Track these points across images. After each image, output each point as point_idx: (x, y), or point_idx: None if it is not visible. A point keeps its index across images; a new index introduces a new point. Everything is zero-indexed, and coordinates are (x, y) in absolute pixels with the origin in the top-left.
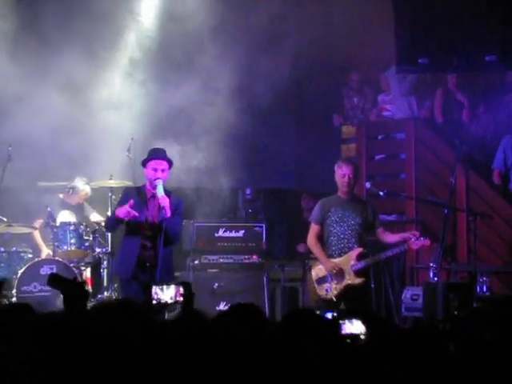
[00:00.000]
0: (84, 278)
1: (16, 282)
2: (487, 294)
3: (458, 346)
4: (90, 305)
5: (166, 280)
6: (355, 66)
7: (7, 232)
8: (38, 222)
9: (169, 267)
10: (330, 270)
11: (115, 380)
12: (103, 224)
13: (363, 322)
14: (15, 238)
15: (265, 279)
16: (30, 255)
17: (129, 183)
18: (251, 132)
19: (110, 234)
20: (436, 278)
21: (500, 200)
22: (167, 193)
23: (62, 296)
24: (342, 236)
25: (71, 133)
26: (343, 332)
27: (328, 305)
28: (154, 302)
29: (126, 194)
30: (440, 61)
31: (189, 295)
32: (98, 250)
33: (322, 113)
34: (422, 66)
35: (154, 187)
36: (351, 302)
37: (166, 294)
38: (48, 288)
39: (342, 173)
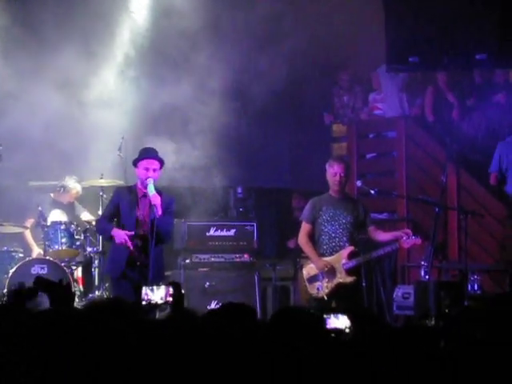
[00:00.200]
0: (75, 277)
1: (7, 281)
2: (478, 292)
3: (449, 343)
4: (81, 304)
5: (156, 279)
6: (346, 64)
7: None
8: (29, 222)
9: (160, 266)
10: (322, 269)
11: (110, 379)
12: (94, 223)
13: (355, 320)
14: (6, 237)
15: (256, 278)
16: (21, 254)
17: (120, 182)
18: (243, 131)
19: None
20: (427, 277)
21: (491, 198)
22: (158, 192)
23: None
24: (333, 235)
25: (63, 131)
26: (328, 326)
27: (319, 303)
28: (144, 302)
29: (118, 194)
30: (431, 59)
31: (178, 296)
32: (89, 249)
33: (313, 111)
34: (412, 64)
35: (146, 186)
36: (342, 301)
37: (156, 294)
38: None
39: (333, 171)
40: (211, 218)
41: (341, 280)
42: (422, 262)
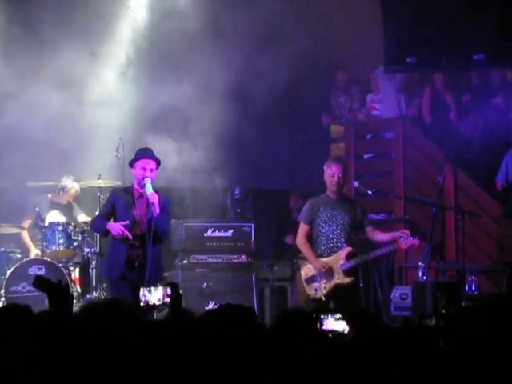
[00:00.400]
0: (73, 278)
1: (4, 282)
2: (476, 292)
3: (448, 342)
4: (78, 305)
5: (154, 279)
6: (344, 65)
7: None
8: (27, 222)
9: (158, 266)
10: (319, 270)
11: (110, 379)
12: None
13: (353, 320)
14: (3, 238)
15: (253, 279)
16: (19, 255)
17: (117, 183)
18: (241, 132)
19: (98, 235)
20: (425, 277)
21: (488, 199)
22: (155, 191)
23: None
24: (331, 236)
25: (61, 131)
26: (325, 328)
27: (317, 304)
28: (142, 303)
29: (114, 195)
30: (428, 60)
31: (176, 296)
32: (86, 250)
33: (311, 112)
34: (410, 65)
35: (143, 186)
36: (340, 302)
37: (154, 295)
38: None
39: (331, 172)
40: (209, 219)
41: (339, 281)
42: (420, 263)
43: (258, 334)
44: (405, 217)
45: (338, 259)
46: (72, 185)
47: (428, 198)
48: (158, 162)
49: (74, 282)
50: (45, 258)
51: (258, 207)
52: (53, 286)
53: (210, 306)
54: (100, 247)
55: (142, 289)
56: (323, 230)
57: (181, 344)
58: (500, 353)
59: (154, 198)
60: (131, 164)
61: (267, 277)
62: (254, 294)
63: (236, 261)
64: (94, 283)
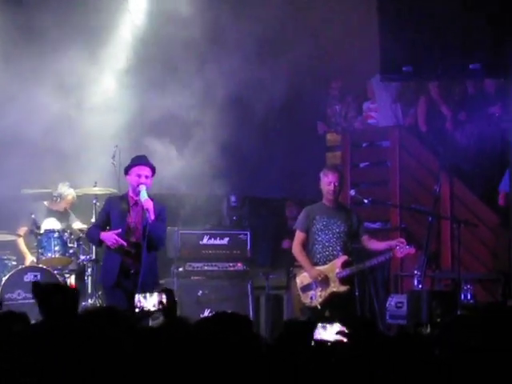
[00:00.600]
0: (68, 285)
1: (0, 289)
2: (471, 301)
3: (443, 351)
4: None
5: (150, 286)
6: (339, 73)
7: None
8: (23, 230)
9: (153, 273)
10: (315, 278)
11: None
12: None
13: (351, 328)
14: None
15: (249, 287)
16: (14, 262)
17: (114, 191)
18: (237, 140)
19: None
20: (420, 286)
21: (484, 208)
22: (150, 199)
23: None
24: (326, 244)
25: (58, 137)
26: (317, 337)
27: (313, 312)
28: (137, 309)
29: (109, 203)
30: (424, 69)
31: (171, 302)
32: (82, 257)
33: (307, 121)
34: (406, 74)
35: (138, 193)
36: (336, 310)
37: (149, 301)
38: (32, 295)
39: (327, 180)
40: (204, 227)
41: (334, 289)
42: (415, 272)
43: (253, 342)
44: (401, 225)
45: (334, 267)
46: (69, 191)
47: (424, 207)
48: (153, 170)
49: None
50: (40, 265)
51: (254, 215)
52: (52, 289)
53: (206, 313)
54: (95, 254)
55: (137, 295)
56: (319, 239)
57: (176, 351)
58: (495, 362)
59: (149, 205)
60: (126, 171)
61: (263, 285)
62: (250, 302)
63: (232, 269)
64: (89, 290)
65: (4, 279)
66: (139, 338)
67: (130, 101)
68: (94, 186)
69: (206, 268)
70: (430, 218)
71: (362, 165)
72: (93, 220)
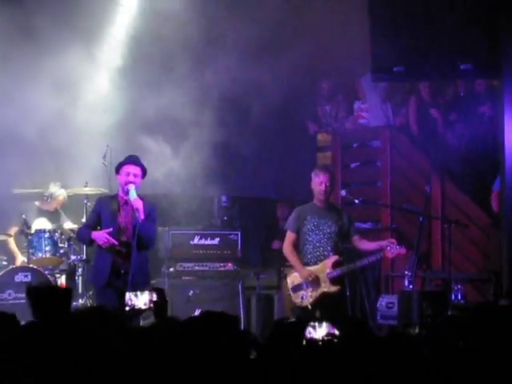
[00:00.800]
0: (59, 285)
1: None
2: (462, 301)
3: (433, 351)
4: None
5: (141, 286)
6: (328, 73)
7: None
8: (13, 230)
9: (144, 273)
10: (306, 278)
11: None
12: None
13: (343, 327)
14: None
15: (240, 287)
16: (5, 262)
17: (105, 191)
18: (227, 140)
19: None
20: (411, 286)
21: (475, 208)
22: (140, 198)
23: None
24: (317, 244)
25: (48, 137)
26: (307, 336)
27: (303, 312)
28: (128, 308)
29: (99, 203)
30: (415, 69)
31: (162, 301)
32: (72, 257)
33: (298, 121)
34: (397, 74)
35: (127, 192)
36: (327, 310)
37: (140, 299)
38: (22, 295)
39: (319, 181)
40: (195, 227)
41: (325, 289)
42: (406, 272)
43: (242, 340)
44: (391, 226)
45: (325, 268)
46: (60, 192)
47: (415, 207)
48: (143, 169)
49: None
50: (31, 266)
51: (245, 215)
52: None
53: (196, 313)
54: (86, 254)
55: (127, 293)
56: (310, 239)
57: (165, 350)
58: (486, 362)
59: (139, 204)
60: (117, 170)
61: (254, 285)
62: (241, 301)
63: (222, 269)
64: (80, 290)
65: None
66: (129, 337)
67: (123, 100)
68: (85, 186)
69: (196, 268)
70: (421, 218)
71: (352, 165)
72: (83, 220)
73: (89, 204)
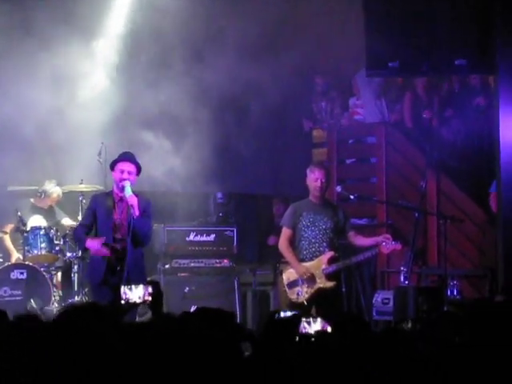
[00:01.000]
0: (55, 282)
1: None
2: (458, 297)
3: (429, 347)
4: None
5: (137, 283)
6: (322, 69)
7: None
8: (9, 227)
9: (140, 270)
10: (302, 274)
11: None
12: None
13: (338, 323)
14: None
15: (236, 283)
16: (1, 259)
17: (100, 188)
18: (223, 136)
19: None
20: (407, 282)
21: (470, 204)
22: (135, 195)
23: (32, 301)
24: (313, 240)
25: (43, 133)
26: (302, 331)
27: (299, 308)
28: (123, 301)
29: (94, 200)
30: (410, 65)
31: (157, 294)
32: (68, 254)
33: (292, 117)
34: (392, 70)
35: (122, 189)
36: (322, 306)
37: (135, 293)
38: (18, 292)
39: (314, 177)
40: (191, 223)
41: (321, 285)
42: (402, 268)
43: (237, 335)
44: (387, 222)
45: (321, 263)
46: (54, 189)
47: (410, 203)
48: (137, 167)
49: (55, 286)
50: (27, 263)
51: (241, 212)
52: None
53: (192, 310)
54: (82, 251)
55: (122, 287)
56: (305, 235)
57: (160, 346)
58: (482, 358)
59: (133, 201)
60: (111, 167)
61: (249, 281)
62: (237, 298)
63: (218, 265)
64: (75, 287)
65: None
66: (124, 333)
67: (120, 97)
68: (81, 184)
69: (192, 264)
70: (417, 214)
71: (348, 161)
72: (79, 217)
73: (84, 201)
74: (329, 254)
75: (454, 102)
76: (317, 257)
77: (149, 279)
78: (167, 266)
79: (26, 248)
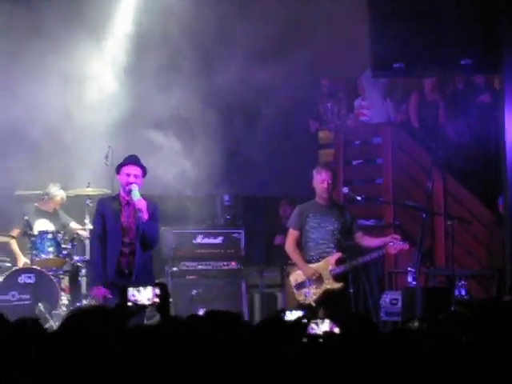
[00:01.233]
0: (62, 286)
1: None
2: (465, 297)
3: (437, 346)
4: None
5: (146, 286)
6: (328, 70)
7: None
8: (16, 231)
9: (149, 273)
10: (309, 276)
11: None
12: (81, 233)
13: (346, 324)
14: None
15: (243, 285)
16: (8, 264)
17: (107, 191)
18: (230, 139)
19: (87, 242)
20: (414, 282)
21: (477, 204)
22: (143, 197)
23: (40, 305)
24: (320, 241)
25: (51, 137)
26: (310, 332)
27: (307, 310)
28: (131, 303)
29: (102, 205)
30: (415, 65)
31: (165, 296)
32: (76, 258)
33: (299, 118)
34: (397, 70)
35: (129, 192)
36: (330, 307)
37: (143, 295)
38: (26, 296)
39: (321, 178)
40: (198, 226)
41: (328, 286)
42: (410, 268)
43: (244, 335)
44: (394, 222)
45: (328, 265)
46: (58, 192)
47: (417, 204)
48: (143, 170)
49: (63, 290)
50: (34, 267)
51: (248, 214)
52: None
53: (200, 312)
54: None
55: (130, 289)
56: (312, 236)
57: (169, 349)
58: (489, 357)
59: (142, 204)
60: (117, 171)
61: (257, 283)
62: (244, 300)
63: (226, 267)
64: (83, 291)
65: None
66: (131, 336)
67: (128, 99)
68: (87, 187)
69: (200, 267)
70: (424, 215)
71: (354, 162)
72: (86, 221)
73: (91, 205)
74: (336, 255)
75: (459, 101)
76: (324, 258)
77: (156, 281)
78: (175, 269)
79: (33, 252)
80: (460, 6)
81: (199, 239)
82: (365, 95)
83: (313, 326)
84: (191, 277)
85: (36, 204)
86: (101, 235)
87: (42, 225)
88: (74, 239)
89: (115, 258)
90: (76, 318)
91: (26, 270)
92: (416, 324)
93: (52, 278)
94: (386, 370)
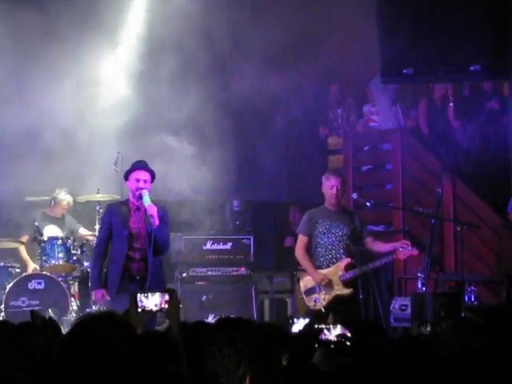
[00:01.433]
0: (72, 292)
1: (4, 296)
2: (475, 303)
3: (447, 352)
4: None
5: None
6: (337, 77)
7: None
8: (25, 237)
9: (160, 279)
10: (319, 282)
11: None
12: (90, 238)
13: (357, 330)
14: (3, 252)
15: (253, 291)
16: (18, 270)
17: (117, 197)
18: (239, 144)
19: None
20: (424, 288)
21: (487, 209)
22: (154, 204)
23: (50, 311)
24: (329, 247)
25: (62, 143)
26: (323, 338)
27: (317, 316)
28: (139, 309)
29: (109, 211)
30: (425, 71)
31: (174, 302)
32: (85, 263)
33: (308, 124)
34: (406, 76)
35: (139, 197)
36: (340, 313)
37: (151, 300)
38: (36, 302)
39: (330, 184)
40: (208, 232)
41: (338, 292)
42: (419, 274)
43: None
44: (404, 228)
45: (337, 270)
46: (64, 197)
47: (427, 209)
48: (152, 175)
49: (73, 296)
50: (44, 273)
51: (257, 220)
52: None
53: (210, 318)
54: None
55: (138, 294)
56: (322, 242)
57: (176, 356)
58: (499, 363)
59: (153, 210)
60: (126, 176)
61: (267, 289)
62: (254, 306)
63: (235, 273)
64: (93, 297)
65: (8, 287)
66: (139, 343)
67: (140, 105)
68: (97, 193)
69: (209, 273)
70: (433, 221)
71: (364, 168)
72: (96, 227)
73: (101, 210)
74: (346, 261)
75: (469, 106)
76: (333, 264)
77: (166, 287)
78: (184, 275)
79: (43, 258)
80: (469, 11)
81: (209, 245)
82: (374, 101)
83: (325, 331)
84: (201, 283)
85: (44, 210)
86: (102, 241)
87: (50, 231)
88: (84, 245)
89: (121, 262)
90: (85, 324)
91: (35, 276)
92: (428, 328)
93: (62, 283)
94: (396, 376)
